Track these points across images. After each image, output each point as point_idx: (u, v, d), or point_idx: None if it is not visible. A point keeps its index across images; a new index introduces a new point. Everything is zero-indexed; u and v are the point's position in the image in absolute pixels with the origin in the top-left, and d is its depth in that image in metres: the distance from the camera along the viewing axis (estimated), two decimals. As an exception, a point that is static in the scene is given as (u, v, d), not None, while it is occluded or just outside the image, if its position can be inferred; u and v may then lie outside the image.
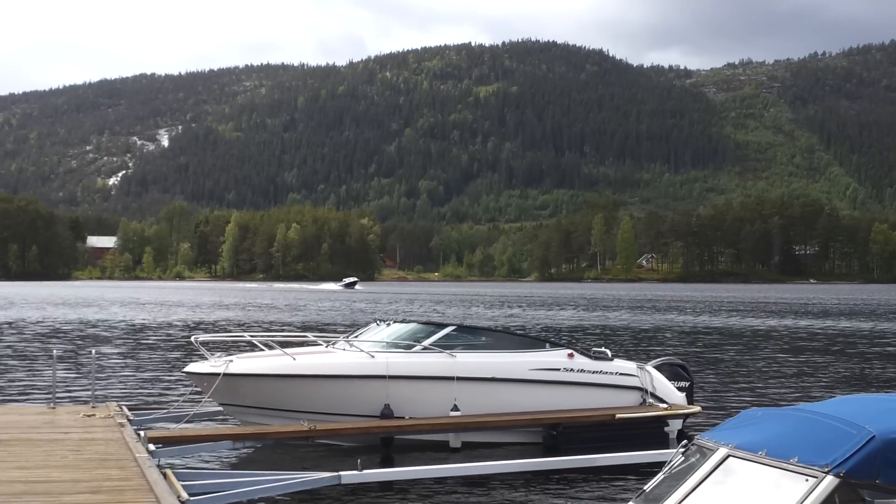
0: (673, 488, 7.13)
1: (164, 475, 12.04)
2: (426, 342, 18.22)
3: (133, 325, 53.75)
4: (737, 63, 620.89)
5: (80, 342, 41.06)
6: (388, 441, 17.27)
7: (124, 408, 17.78)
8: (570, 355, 18.57)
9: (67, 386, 25.19)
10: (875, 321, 65.53)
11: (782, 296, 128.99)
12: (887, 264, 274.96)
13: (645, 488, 7.55)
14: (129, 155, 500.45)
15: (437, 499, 13.89)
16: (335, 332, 41.17)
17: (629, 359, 21.40)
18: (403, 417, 17.39)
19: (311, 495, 13.43)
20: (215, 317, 64.99)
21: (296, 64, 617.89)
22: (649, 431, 17.97)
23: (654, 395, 18.81)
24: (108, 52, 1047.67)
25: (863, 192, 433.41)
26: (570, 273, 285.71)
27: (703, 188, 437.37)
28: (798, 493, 6.23)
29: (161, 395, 24.18)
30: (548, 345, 19.58)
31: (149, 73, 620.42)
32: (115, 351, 37.06)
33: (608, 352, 19.50)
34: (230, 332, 44.96)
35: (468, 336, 19.61)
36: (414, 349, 18.17)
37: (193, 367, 18.19)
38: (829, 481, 6.16)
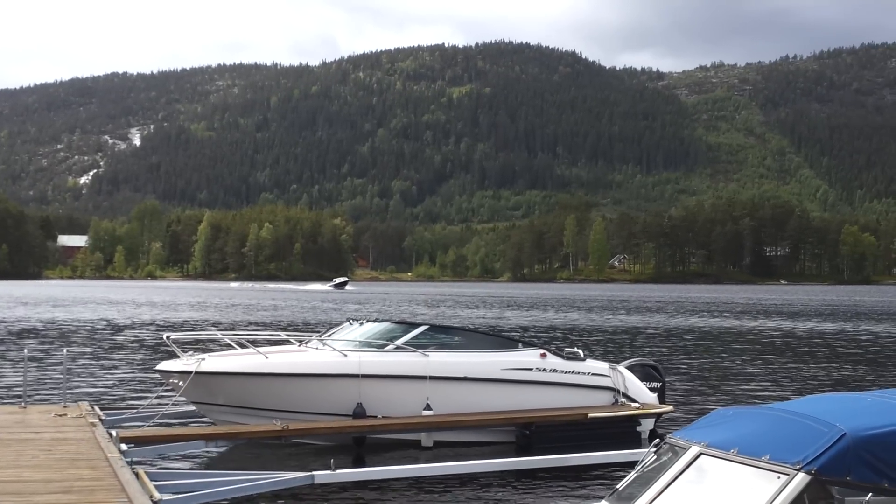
0: (646, 487, 7.17)
1: (137, 475, 12.01)
2: (399, 341, 18.24)
3: (105, 325, 53.48)
4: (709, 65, 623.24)
5: (51, 341, 40.84)
6: (361, 440, 17.26)
7: (96, 407, 17.72)
8: (543, 355, 18.63)
9: (39, 385, 25.04)
10: (845, 322, 65.91)
11: (753, 297, 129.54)
12: (857, 266, 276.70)
13: (618, 487, 7.58)
14: (100, 154, 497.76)
15: (411, 498, 13.90)
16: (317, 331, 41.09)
17: (601, 359, 21.48)
18: (376, 416, 17.38)
19: (285, 495, 13.41)
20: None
21: (269, 63, 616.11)
22: (621, 431, 18.05)
23: (626, 395, 18.90)
24: (80, 51, 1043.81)
25: (833, 195, 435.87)
26: (542, 273, 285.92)
27: (675, 190, 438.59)
28: (770, 491, 6.28)
29: (133, 394, 24.07)
30: (520, 345, 19.64)
31: (121, 71, 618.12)
32: (87, 350, 36.89)
33: (580, 352, 19.58)
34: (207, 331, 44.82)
35: (441, 336, 19.64)
36: (387, 348, 18.17)
37: (165, 365, 18.14)
38: (801, 479, 6.21)
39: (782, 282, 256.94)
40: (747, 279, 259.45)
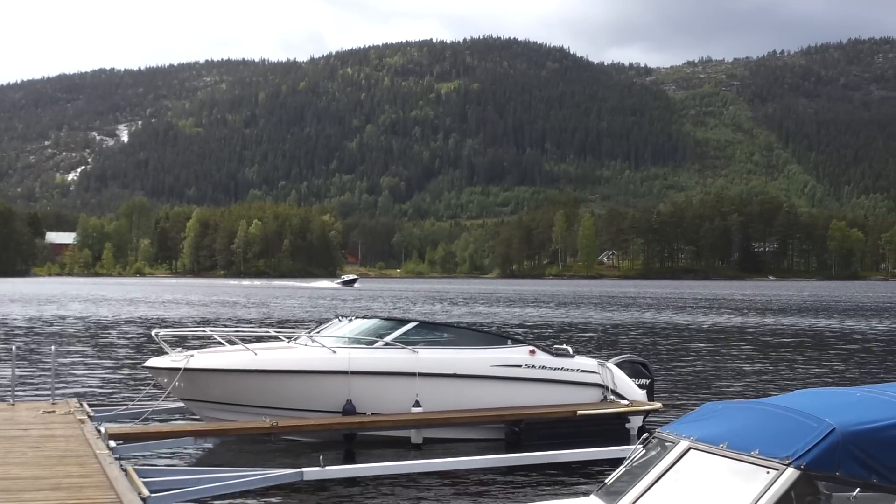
0: (634, 481, 7.17)
1: (125, 472, 11.98)
2: (388, 338, 18.24)
3: (94, 322, 53.36)
4: (696, 61, 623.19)
5: (39, 338, 40.75)
6: (351, 437, 17.26)
7: (84, 404, 17.69)
8: (532, 352, 18.64)
9: (27, 382, 24.98)
10: (833, 317, 66.07)
11: (741, 292, 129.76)
12: (845, 261, 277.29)
13: (606, 481, 7.57)
14: (88, 150, 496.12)
15: (400, 495, 13.89)
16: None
17: (590, 356, 21.51)
18: (365, 413, 17.37)
19: (274, 491, 13.39)
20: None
21: (257, 59, 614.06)
22: (610, 428, 18.05)
23: (615, 392, 18.91)
24: (67, 47, 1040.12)
25: (820, 190, 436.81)
26: (531, 270, 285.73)
27: (664, 185, 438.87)
28: (759, 486, 6.28)
29: (122, 391, 24.03)
30: (509, 341, 19.63)
31: (108, 67, 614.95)
32: (76, 347, 36.81)
33: (569, 349, 19.59)
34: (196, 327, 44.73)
35: (430, 332, 19.65)
36: (376, 345, 18.16)
37: (154, 362, 18.10)
38: (790, 473, 6.21)
39: (770, 277, 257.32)
40: (735, 275, 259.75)
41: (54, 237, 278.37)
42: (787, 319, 62.97)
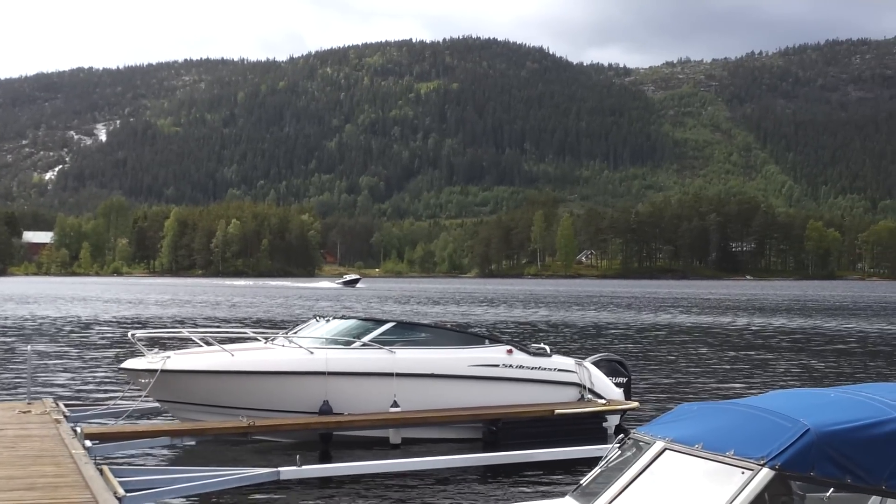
0: (610, 482, 7.17)
1: (101, 471, 11.93)
2: (365, 338, 18.23)
3: (71, 321, 53.14)
4: (675, 61, 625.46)
5: (15, 338, 40.56)
6: (328, 437, 17.23)
7: (61, 404, 17.60)
8: (510, 351, 18.66)
9: (2, 382, 24.87)
10: (809, 317, 66.34)
11: (719, 292, 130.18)
12: (822, 261, 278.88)
13: (582, 482, 7.57)
14: (65, 149, 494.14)
15: (377, 494, 13.88)
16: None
17: (568, 355, 21.53)
18: (342, 414, 17.35)
19: (250, 491, 13.36)
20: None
21: (235, 59, 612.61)
22: (588, 427, 18.08)
23: (592, 391, 18.94)
24: (45, 45, 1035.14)
25: (798, 190, 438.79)
26: (510, 269, 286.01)
27: (642, 185, 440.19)
28: (734, 486, 6.29)
29: (99, 391, 23.94)
30: (487, 341, 19.63)
31: (86, 66, 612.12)
32: (52, 347, 36.66)
33: (547, 348, 19.62)
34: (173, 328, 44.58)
35: (407, 332, 19.66)
36: (353, 345, 18.14)
37: (130, 364, 18.02)
38: (765, 474, 6.23)
39: (748, 277, 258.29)
40: (713, 275, 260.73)
41: (31, 236, 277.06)
42: (764, 319, 63.19)
